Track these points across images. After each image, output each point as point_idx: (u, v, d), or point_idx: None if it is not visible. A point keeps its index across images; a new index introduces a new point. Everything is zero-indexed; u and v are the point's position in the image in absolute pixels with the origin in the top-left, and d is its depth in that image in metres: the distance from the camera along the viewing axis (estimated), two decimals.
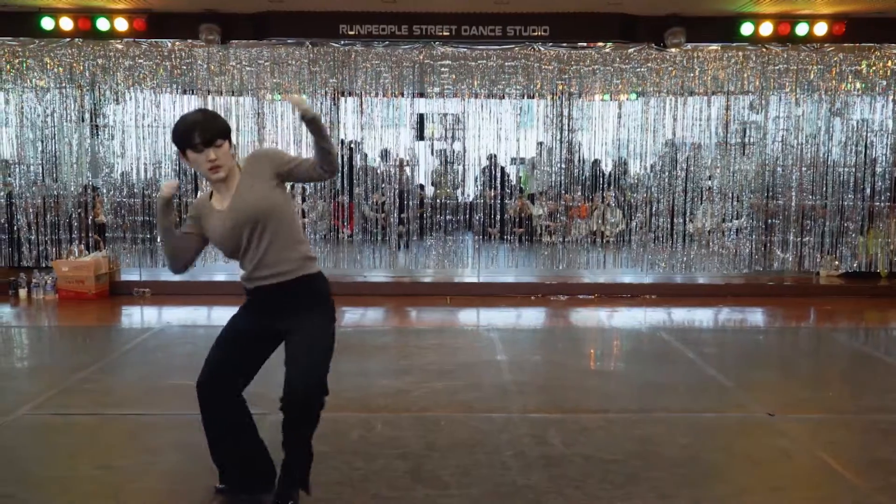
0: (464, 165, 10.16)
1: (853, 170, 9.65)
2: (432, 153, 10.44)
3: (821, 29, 9.17)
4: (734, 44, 9.43)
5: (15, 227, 9.60)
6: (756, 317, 8.56)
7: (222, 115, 9.48)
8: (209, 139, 3.23)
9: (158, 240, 3.53)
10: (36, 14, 9.06)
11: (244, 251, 3.36)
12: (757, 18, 9.18)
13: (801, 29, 9.18)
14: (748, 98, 9.68)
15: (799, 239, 9.78)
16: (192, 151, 3.25)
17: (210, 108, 9.47)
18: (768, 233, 9.83)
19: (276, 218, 3.31)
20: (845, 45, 9.34)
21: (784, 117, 9.63)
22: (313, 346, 3.39)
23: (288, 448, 3.46)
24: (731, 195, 9.81)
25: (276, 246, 3.33)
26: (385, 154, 10.06)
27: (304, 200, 9.85)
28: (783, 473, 4.10)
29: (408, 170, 10.06)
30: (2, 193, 9.63)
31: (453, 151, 10.45)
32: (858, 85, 9.48)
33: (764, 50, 9.41)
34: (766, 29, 9.19)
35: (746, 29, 9.21)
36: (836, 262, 9.80)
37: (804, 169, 9.68)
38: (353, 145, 10.02)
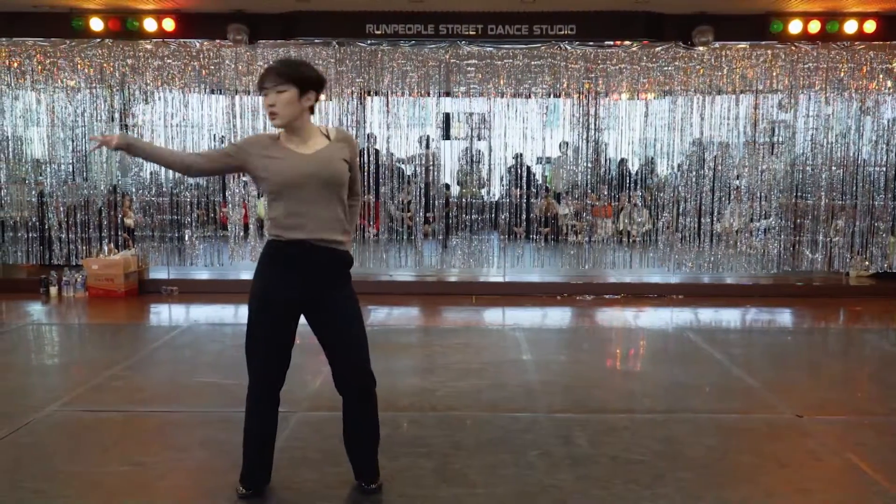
0: (489, 164, 10.15)
1: (884, 169, 9.52)
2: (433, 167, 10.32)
3: (851, 27, 9.07)
4: (763, 42, 9.35)
5: (46, 226, 9.73)
6: (784, 317, 8.48)
7: (248, 114, 9.62)
8: (270, 84, 3.35)
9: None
10: (67, 15, 9.18)
11: (309, 204, 3.41)
12: (786, 16, 9.09)
13: (832, 27, 9.08)
14: (777, 97, 9.58)
15: (828, 239, 9.68)
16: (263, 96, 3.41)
17: (237, 107, 9.55)
18: (797, 233, 9.74)
19: (341, 191, 3.47)
20: (876, 42, 9.23)
21: (814, 116, 9.52)
22: (357, 325, 3.55)
23: (364, 434, 3.66)
24: (759, 195, 9.72)
25: (335, 214, 3.46)
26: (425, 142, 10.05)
27: None
28: (811, 475, 4.06)
29: (431, 158, 10.01)
30: (33, 192, 9.76)
31: (478, 150, 10.44)
32: (889, 83, 9.36)
33: (793, 48, 9.32)
34: (796, 27, 9.10)
35: (776, 27, 9.12)
36: (867, 263, 9.69)
37: (834, 168, 9.58)
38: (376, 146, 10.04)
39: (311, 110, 3.51)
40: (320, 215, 3.41)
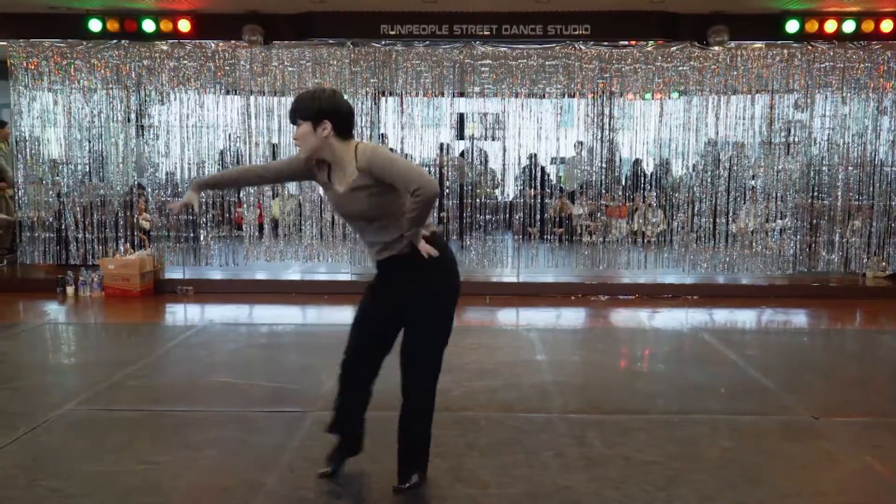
0: (503, 165, 10.16)
1: None
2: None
3: (868, 26, 9.02)
4: (779, 42, 9.31)
5: (63, 226, 9.79)
6: (800, 318, 8.44)
7: (264, 114, 9.66)
8: (292, 120, 3.53)
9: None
10: (83, 16, 9.24)
11: (361, 233, 3.63)
12: (802, 16, 9.06)
13: (848, 26, 9.04)
14: (793, 96, 9.54)
15: (845, 240, 9.62)
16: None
17: (252, 108, 9.59)
18: (813, 233, 9.68)
19: (379, 218, 3.47)
20: (893, 42, 9.18)
21: (830, 116, 9.47)
22: (418, 337, 3.65)
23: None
24: (775, 195, 9.67)
25: (382, 231, 3.50)
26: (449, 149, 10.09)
27: None
28: (828, 477, 4.04)
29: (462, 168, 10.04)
30: (50, 192, 9.82)
31: (480, 150, 10.44)
32: None
33: (809, 48, 9.28)
34: (812, 26, 9.07)
35: (792, 26, 9.09)
36: (883, 264, 9.62)
37: (850, 168, 9.52)
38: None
39: (344, 136, 3.48)
40: (373, 241, 3.54)
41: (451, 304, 3.68)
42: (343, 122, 3.46)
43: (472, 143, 10.29)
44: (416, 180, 3.27)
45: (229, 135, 9.77)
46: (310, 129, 3.43)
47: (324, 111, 3.41)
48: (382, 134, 10.20)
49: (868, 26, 9.01)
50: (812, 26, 9.06)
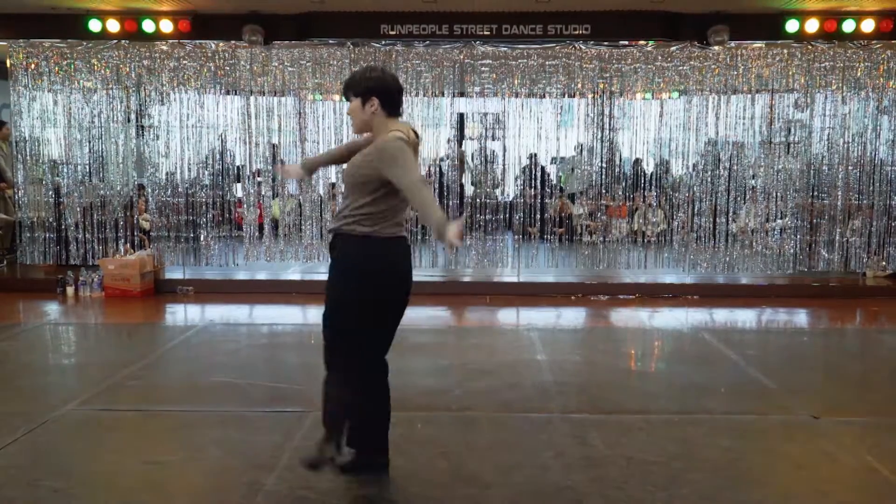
0: (504, 164, 10.16)
1: None
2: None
3: (868, 26, 9.04)
4: (779, 41, 9.32)
5: (63, 226, 9.79)
6: (800, 318, 8.43)
7: (264, 114, 9.66)
8: (345, 94, 3.69)
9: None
10: (84, 16, 9.25)
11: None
12: (802, 15, 9.07)
13: (848, 26, 9.05)
14: (793, 96, 9.54)
15: (845, 239, 9.62)
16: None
17: (252, 108, 9.59)
18: (813, 233, 9.69)
19: (354, 187, 3.57)
20: (893, 41, 9.18)
21: (830, 115, 9.48)
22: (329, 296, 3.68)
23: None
24: (775, 194, 9.67)
25: (346, 203, 3.62)
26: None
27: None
28: (828, 477, 4.04)
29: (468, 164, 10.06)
30: (49, 192, 9.82)
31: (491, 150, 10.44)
32: None
33: (809, 47, 9.28)
34: (812, 26, 9.09)
35: (791, 26, 9.10)
36: (883, 263, 9.63)
37: (850, 168, 9.53)
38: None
39: (391, 114, 3.61)
40: (339, 208, 3.68)
41: (346, 301, 3.62)
42: (390, 100, 3.61)
43: (482, 143, 10.29)
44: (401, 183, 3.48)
45: (222, 134, 9.75)
46: (359, 105, 3.61)
47: (372, 89, 3.57)
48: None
49: (868, 26, 9.02)
50: (812, 26, 9.08)
